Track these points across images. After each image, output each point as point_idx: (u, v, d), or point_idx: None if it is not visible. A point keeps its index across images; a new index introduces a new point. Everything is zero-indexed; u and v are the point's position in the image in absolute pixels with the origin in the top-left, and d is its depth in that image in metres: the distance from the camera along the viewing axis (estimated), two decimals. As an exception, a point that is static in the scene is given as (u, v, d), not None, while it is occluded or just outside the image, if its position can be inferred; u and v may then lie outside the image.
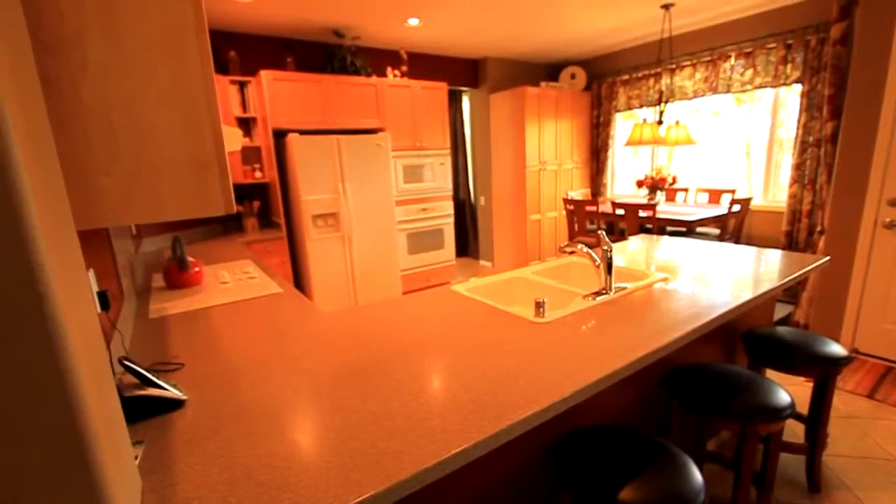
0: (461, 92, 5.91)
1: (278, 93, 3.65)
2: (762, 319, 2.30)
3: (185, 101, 0.83)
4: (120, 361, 0.94)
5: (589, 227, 4.16)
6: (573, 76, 5.49)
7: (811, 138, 3.68)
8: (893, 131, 2.64)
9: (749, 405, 1.41)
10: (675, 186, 4.60)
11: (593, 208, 3.91)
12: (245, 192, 4.08)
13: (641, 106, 4.97)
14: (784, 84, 3.85)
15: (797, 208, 3.86)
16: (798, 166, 3.78)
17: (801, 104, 3.70)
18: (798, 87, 3.75)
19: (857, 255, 2.86)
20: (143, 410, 0.93)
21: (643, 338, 1.28)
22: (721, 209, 3.79)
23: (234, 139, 1.88)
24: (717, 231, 4.00)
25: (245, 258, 2.83)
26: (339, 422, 0.93)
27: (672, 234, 4.02)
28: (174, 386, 1.03)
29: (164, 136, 0.82)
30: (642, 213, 3.51)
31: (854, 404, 2.40)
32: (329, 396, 1.04)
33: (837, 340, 3.01)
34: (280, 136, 3.78)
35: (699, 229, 4.15)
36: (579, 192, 4.81)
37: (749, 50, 4.02)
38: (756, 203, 4.26)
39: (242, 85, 3.79)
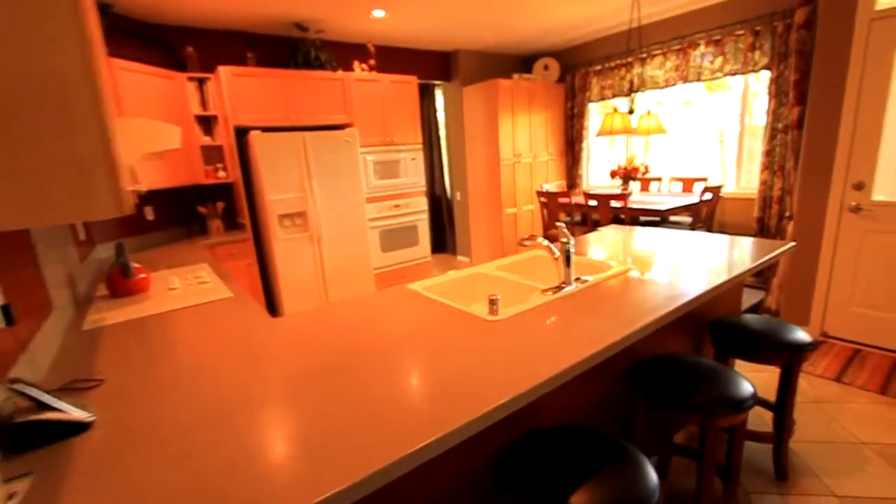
0: (434, 86, 5.82)
1: (239, 89, 3.51)
2: (730, 308, 2.28)
3: (59, 93, 0.74)
4: (7, 385, 0.84)
5: (563, 219, 4.12)
6: (546, 68, 5.44)
7: (780, 125, 3.69)
8: (857, 115, 2.64)
9: (710, 398, 1.37)
10: (648, 176, 4.59)
11: (566, 200, 3.87)
12: (208, 193, 3.94)
13: (615, 96, 4.94)
14: (753, 71, 3.85)
15: (768, 195, 3.87)
16: (768, 153, 3.79)
17: (770, 91, 3.70)
18: (766, 74, 3.75)
19: (824, 239, 2.86)
20: (34, 438, 0.83)
21: (599, 333, 1.23)
22: (693, 198, 3.78)
23: (165, 136, 1.78)
24: (689, 219, 3.99)
25: (204, 262, 2.71)
26: (273, 436, 0.85)
27: (645, 223, 4.01)
28: (82, 407, 0.94)
29: (34, 132, 0.72)
30: (615, 204, 3.48)
31: (822, 388, 2.40)
32: (266, 408, 0.96)
33: (807, 325, 3.02)
34: (243, 133, 3.65)
35: (672, 218, 4.14)
36: (554, 185, 4.78)
37: (718, 37, 4.00)
38: (728, 190, 4.27)
39: (201, 82, 3.64)
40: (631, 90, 3.85)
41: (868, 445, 1.94)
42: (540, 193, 3.98)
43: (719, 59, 4.02)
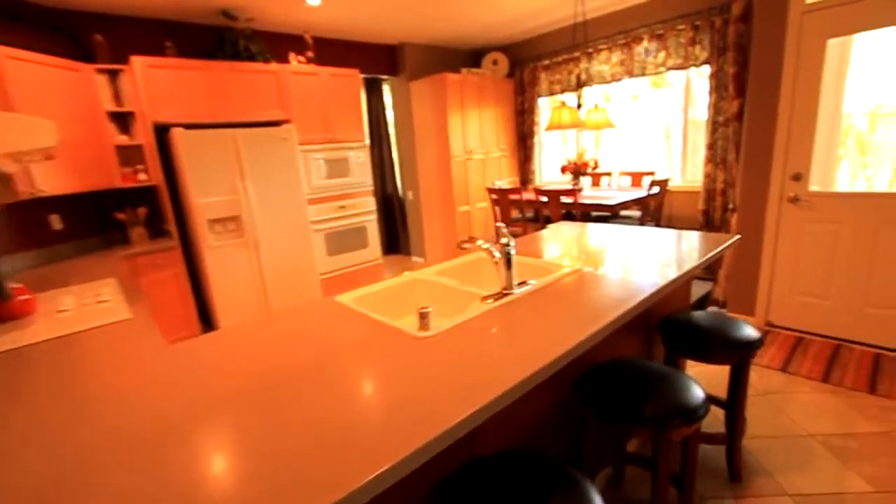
0: (381, 81, 5.60)
1: (157, 82, 3.17)
2: (679, 304, 2.23)
3: None
4: None
5: (515, 216, 4.03)
6: (495, 62, 5.34)
7: (721, 118, 3.75)
8: (793, 106, 2.67)
9: (661, 409, 1.26)
10: (598, 171, 4.58)
11: (517, 197, 3.78)
12: (129, 198, 3.55)
13: (563, 91, 4.91)
14: (694, 65, 3.89)
15: (712, 187, 3.94)
16: (711, 146, 3.85)
17: (710, 85, 3.75)
18: (707, 69, 3.80)
19: (766, 230, 2.90)
20: None
21: (544, 345, 1.09)
22: (642, 192, 3.78)
23: (31, 132, 1.49)
24: (639, 213, 4.00)
25: (112, 277, 2.39)
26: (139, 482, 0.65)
27: (597, 219, 3.98)
28: None
29: None
30: (565, 200, 3.41)
31: (769, 379, 2.40)
32: (145, 452, 0.75)
33: (752, 315, 3.06)
34: (165, 131, 3.30)
35: (623, 212, 4.14)
36: (506, 181, 4.70)
37: (660, 32, 4.03)
38: (675, 184, 4.33)
39: (113, 74, 3.27)
40: (578, 85, 3.80)
41: (815, 437, 1.93)
42: (491, 190, 3.87)
43: (662, 54, 4.05)
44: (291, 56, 3.88)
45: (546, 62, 4.95)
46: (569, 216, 3.71)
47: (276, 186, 3.65)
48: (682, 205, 4.27)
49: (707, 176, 3.92)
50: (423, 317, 1.23)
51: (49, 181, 2.80)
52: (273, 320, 1.45)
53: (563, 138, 5.31)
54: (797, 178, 2.72)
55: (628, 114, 4.67)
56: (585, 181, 4.79)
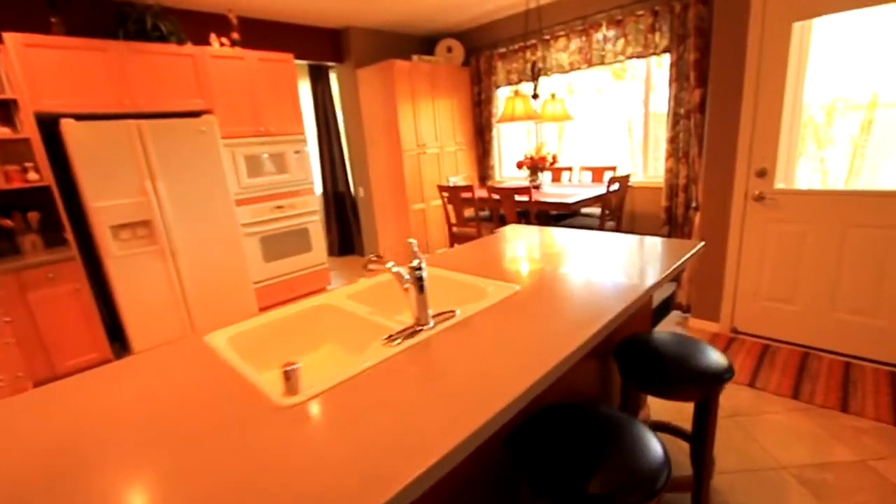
0: (327, 68, 5.17)
1: (40, 64, 2.68)
2: (639, 323, 1.97)
3: None
4: None
5: (469, 215, 3.73)
6: (450, 50, 5.00)
7: (682, 110, 3.54)
8: (757, 95, 2.45)
9: (611, 482, 0.97)
10: (557, 166, 4.33)
11: (468, 195, 3.47)
12: (18, 201, 3.03)
13: (520, 81, 4.62)
14: (654, 54, 3.67)
15: (674, 183, 3.74)
16: (672, 139, 3.64)
17: (671, 74, 3.53)
18: (668, 58, 3.57)
19: (730, 230, 2.69)
20: None
21: (457, 414, 0.78)
22: (602, 188, 3.54)
23: None
24: (600, 211, 3.77)
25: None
26: None
27: (557, 217, 3.73)
28: None
29: None
30: (519, 198, 3.12)
31: (737, 397, 2.19)
32: None
33: (717, 321, 2.86)
34: (55, 123, 2.81)
35: (585, 210, 3.91)
36: (461, 177, 4.40)
37: (619, 18, 3.78)
38: (637, 179, 4.12)
39: (-14, 54, 2.74)
40: (534, 74, 3.51)
41: (788, 470, 1.71)
42: (441, 188, 3.54)
43: (621, 42, 3.80)
44: (213, 38, 3.42)
45: (502, 50, 4.64)
46: (524, 215, 3.43)
47: (196, 185, 3.21)
48: (645, 201, 4.07)
49: (669, 171, 3.72)
50: (289, 376, 0.90)
51: None
52: (104, 376, 1.08)
53: (527, 132, 5.02)
54: (762, 174, 2.51)
55: (591, 106, 4.43)
56: (547, 176, 4.53)
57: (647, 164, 4.10)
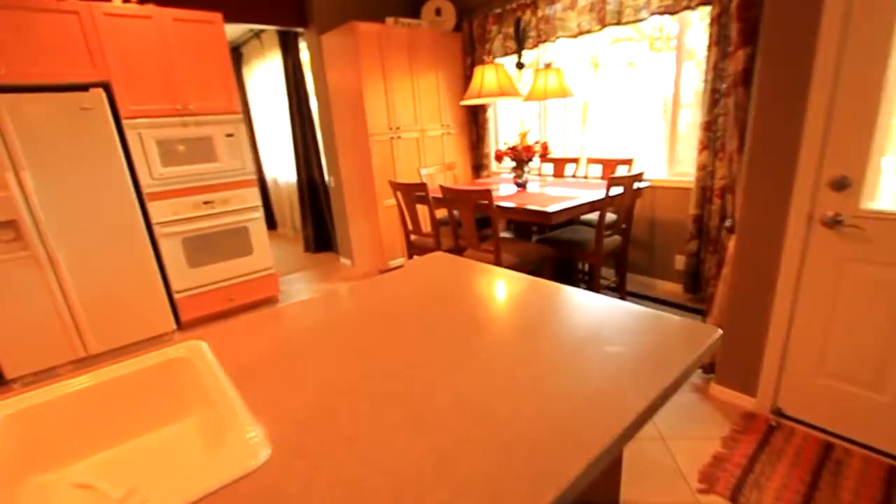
0: (296, 35, 4.42)
1: None
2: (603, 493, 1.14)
3: None
4: None
5: (443, 219, 2.92)
6: (438, 12, 4.12)
7: (724, 85, 2.55)
8: (840, 59, 1.50)
9: None
10: (553, 156, 3.42)
11: (421, 193, 2.66)
12: None
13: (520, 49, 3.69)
14: (689, 7, 2.67)
15: (707, 184, 2.78)
16: (708, 125, 2.67)
17: (711, 35, 2.54)
18: (707, 13, 2.58)
19: (781, 268, 1.77)
20: None
21: None
22: (599, 192, 2.63)
23: None
24: (614, 217, 2.87)
25: None
26: None
27: (540, 228, 2.87)
28: None
29: None
30: (481, 202, 2.29)
31: (771, 553, 1.33)
32: None
33: (753, 394, 1.96)
34: None
35: (586, 217, 3.02)
36: (434, 168, 3.57)
37: (644, -42, 2.79)
38: (660, 177, 3.17)
39: None
40: (519, 35, 2.62)
41: None
42: (394, 185, 2.76)
43: (646, -9, 2.82)
44: (113, -9, 2.74)
45: (497, 10, 3.72)
46: (484, 223, 2.59)
47: (81, 176, 2.58)
48: (670, 206, 3.12)
49: (702, 168, 2.76)
50: None
51: None
52: None
53: (540, 113, 4.05)
54: (840, 185, 1.57)
55: (622, 85, 3.43)
56: (546, 169, 3.64)
57: (672, 158, 3.13)
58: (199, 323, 3.35)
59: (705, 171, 2.76)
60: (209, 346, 1.06)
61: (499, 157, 2.92)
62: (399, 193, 2.79)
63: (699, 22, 2.82)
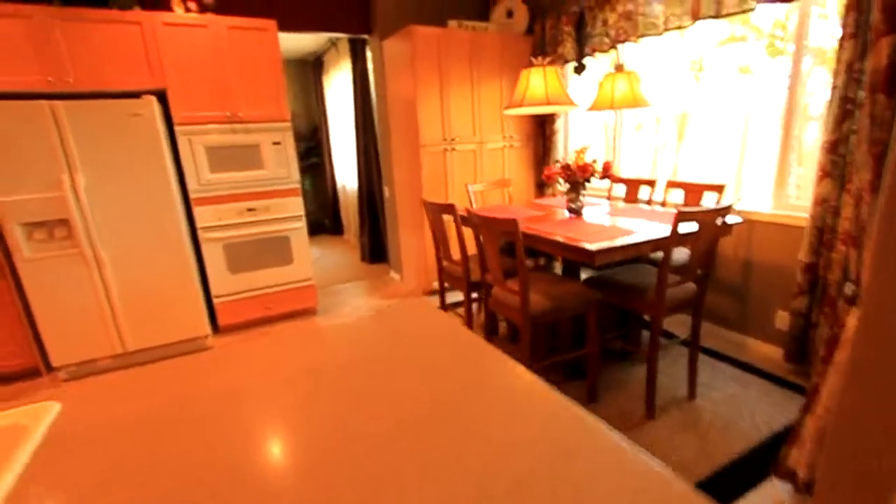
0: (363, 42, 4.36)
1: (-43, 34, 2.35)
2: None
3: None
4: None
5: (460, 249, 2.57)
6: (510, 14, 3.77)
7: (861, 93, 1.88)
8: None
9: None
10: (620, 176, 2.87)
11: (448, 217, 2.33)
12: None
13: (595, 52, 3.21)
14: (816, -10, 2.03)
15: (828, 223, 2.09)
16: (833, 146, 2.00)
17: (845, 26, 1.88)
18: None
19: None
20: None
21: None
22: (680, 226, 2.07)
23: None
24: (685, 255, 2.30)
25: None
26: None
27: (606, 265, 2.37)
28: None
29: None
30: (507, 230, 1.90)
31: None
32: None
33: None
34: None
35: (655, 254, 2.45)
36: (481, 185, 3.19)
37: (757, -67, 2.20)
38: (765, 210, 2.49)
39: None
40: (580, 31, 2.19)
41: None
42: (427, 204, 2.47)
43: (756, -26, 2.22)
44: (175, 3, 2.83)
45: (574, 8, 3.26)
46: (532, 255, 2.17)
47: (128, 180, 2.68)
48: (773, 247, 2.44)
49: (821, 202, 2.09)
50: None
51: None
52: None
53: (616, 125, 3.49)
54: None
55: (731, 95, 2.80)
56: (618, 191, 3.11)
57: (782, 186, 2.44)
58: (235, 328, 3.37)
59: (825, 206, 2.08)
60: (63, 410, 0.85)
61: (549, 178, 2.49)
62: (430, 214, 2.49)
63: (826, 9, 2.14)
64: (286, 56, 5.84)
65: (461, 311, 2.54)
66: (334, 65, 5.38)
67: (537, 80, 2.11)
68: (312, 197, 6.60)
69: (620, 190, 3.23)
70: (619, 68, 2.39)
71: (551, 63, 2.20)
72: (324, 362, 0.96)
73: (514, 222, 1.79)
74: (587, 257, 1.85)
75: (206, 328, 3.10)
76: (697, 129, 3.02)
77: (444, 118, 3.50)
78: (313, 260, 5.27)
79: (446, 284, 2.71)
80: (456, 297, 3.12)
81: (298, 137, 6.18)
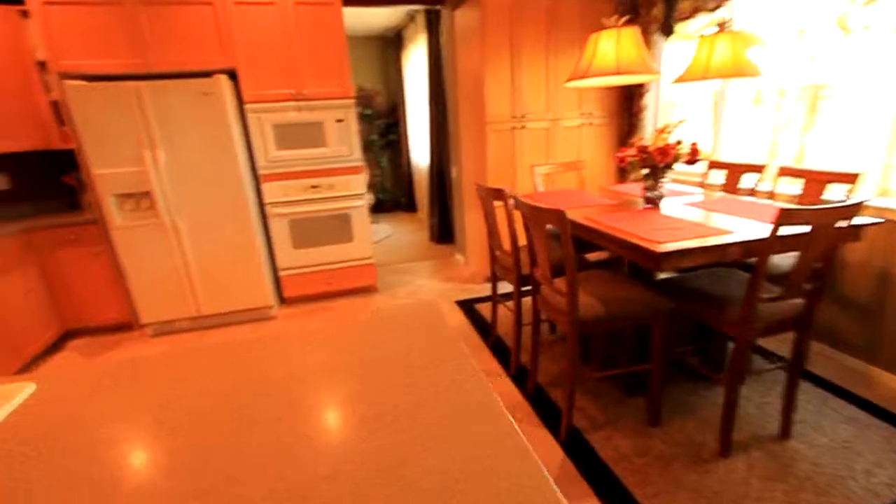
0: (438, 14, 4.16)
1: (63, 23, 2.61)
2: None
3: None
4: None
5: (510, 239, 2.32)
6: (598, -30, 3.31)
7: None
8: None
9: None
10: (720, 160, 2.38)
11: (499, 203, 2.10)
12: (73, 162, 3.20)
13: (696, 11, 2.69)
14: None
15: None
16: None
17: None
18: None
19: None
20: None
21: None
22: (761, 225, 1.63)
23: None
24: (792, 259, 1.84)
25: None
26: None
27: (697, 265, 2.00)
28: None
29: None
30: (550, 225, 1.63)
31: None
32: None
33: None
34: (86, 84, 2.76)
35: (754, 259, 2.00)
36: (547, 167, 2.85)
37: None
38: (913, 207, 1.91)
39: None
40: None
41: None
42: (479, 188, 2.26)
43: None
44: (248, -20, 2.87)
45: (675, -43, 2.75)
46: (583, 246, 1.87)
47: (200, 156, 2.82)
48: (922, 257, 1.87)
49: None
50: None
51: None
52: None
53: (755, 99, 2.88)
54: None
55: (882, 62, 2.19)
56: (716, 176, 2.62)
57: (947, 178, 1.84)
58: (299, 301, 3.49)
59: None
60: (37, 391, 0.84)
61: (622, 162, 2.14)
62: (481, 197, 2.29)
63: None
64: (365, 32, 5.85)
65: (510, 304, 2.32)
66: (412, 40, 5.25)
67: (608, 45, 1.77)
68: (390, 174, 6.66)
69: (719, 177, 2.72)
70: (721, 27, 1.93)
71: (629, 24, 1.83)
72: (269, 373, 0.85)
73: (559, 213, 1.53)
74: (651, 261, 1.53)
75: (272, 299, 3.23)
76: (836, 104, 2.40)
77: (514, 93, 3.21)
78: (384, 237, 5.33)
79: (498, 275, 2.51)
80: (509, 287, 2.90)
81: (378, 115, 6.23)
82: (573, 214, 1.99)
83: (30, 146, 2.91)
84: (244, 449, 0.64)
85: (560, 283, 1.74)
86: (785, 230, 1.44)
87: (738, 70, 1.89)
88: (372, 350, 0.91)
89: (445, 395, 0.73)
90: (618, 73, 1.74)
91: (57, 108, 2.89)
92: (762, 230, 1.64)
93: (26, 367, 2.65)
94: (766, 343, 2.46)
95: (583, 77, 1.83)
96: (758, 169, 2.42)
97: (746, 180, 2.52)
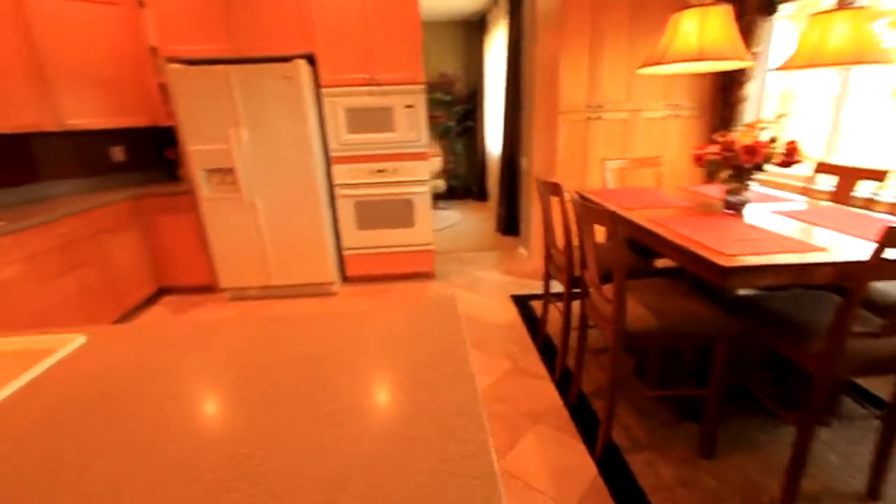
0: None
1: (172, 12, 2.89)
2: None
3: None
4: None
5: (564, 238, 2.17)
6: (703, -58, 2.94)
7: None
8: None
9: None
10: (795, 160, 2.02)
11: (556, 198, 1.96)
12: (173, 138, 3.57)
13: (820, -17, 2.29)
14: None
15: None
16: None
17: None
18: None
19: None
20: None
21: None
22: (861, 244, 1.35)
23: None
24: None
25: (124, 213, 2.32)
26: None
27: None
28: None
29: None
30: (602, 222, 1.49)
31: None
32: None
33: None
34: (188, 67, 3.06)
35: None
36: (623, 162, 2.59)
37: None
38: None
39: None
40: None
41: None
42: (537, 182, 2.14)
43: None
44: (331, -34, 2.96)
45: (798, -78, 2.35)
46: (643, 251, 1.70)
47: (277, 137, 3.00)
48: None
49: None
50: None
51: (87, 115, 2.97)
52: None
53: (894, 93, 2.48)
54: None
55: None
56: (824, 181, 2.26)
57: None
58: (359, 280, 3.63)
59: None
60: (87, 343, 0.95)
61: (699, 160, 1.90)
62: (539, 192, 2.18)
63: None
64: (450, 17, 5.80)
65: (560, 305, 2.21)
66: (495, 24, 5.12)
67: (690, 27, 1.56)
68: (464, 160, 6.63)
69: (829, 183, 2.34)
70: (841, 3, 1.62)
71: (720, 1, 1.59)
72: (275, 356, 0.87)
73: (610, 212, 1.39)
74: (716, 275, 1.35)
75: (335, 276, 3.39)
76: None
77: (591, 81, 3.00)
78: (452, 224, 5.34)
79: (551, 273, 2.39)
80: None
81: (457, 101, 6.20)
82: (634, 215, 1.82)
83: (142, 123, 3.29)
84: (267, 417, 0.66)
85: (608, 289, 1.60)
86: (891, 253, 1.19)
87: (862, 54, 1.58)
88: (381, 338, 0.90)
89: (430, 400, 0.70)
90: (700, 58, 1.53)
91: (163, 89, 3.24)
92: (863, 250, 1.37)
93: (126, 317, 3.06)
94: (868, 383, 2.09)
95: (658, 63, 1.63)
96: (878, 175, 2.03)
97: (863, 188, 2.13)
